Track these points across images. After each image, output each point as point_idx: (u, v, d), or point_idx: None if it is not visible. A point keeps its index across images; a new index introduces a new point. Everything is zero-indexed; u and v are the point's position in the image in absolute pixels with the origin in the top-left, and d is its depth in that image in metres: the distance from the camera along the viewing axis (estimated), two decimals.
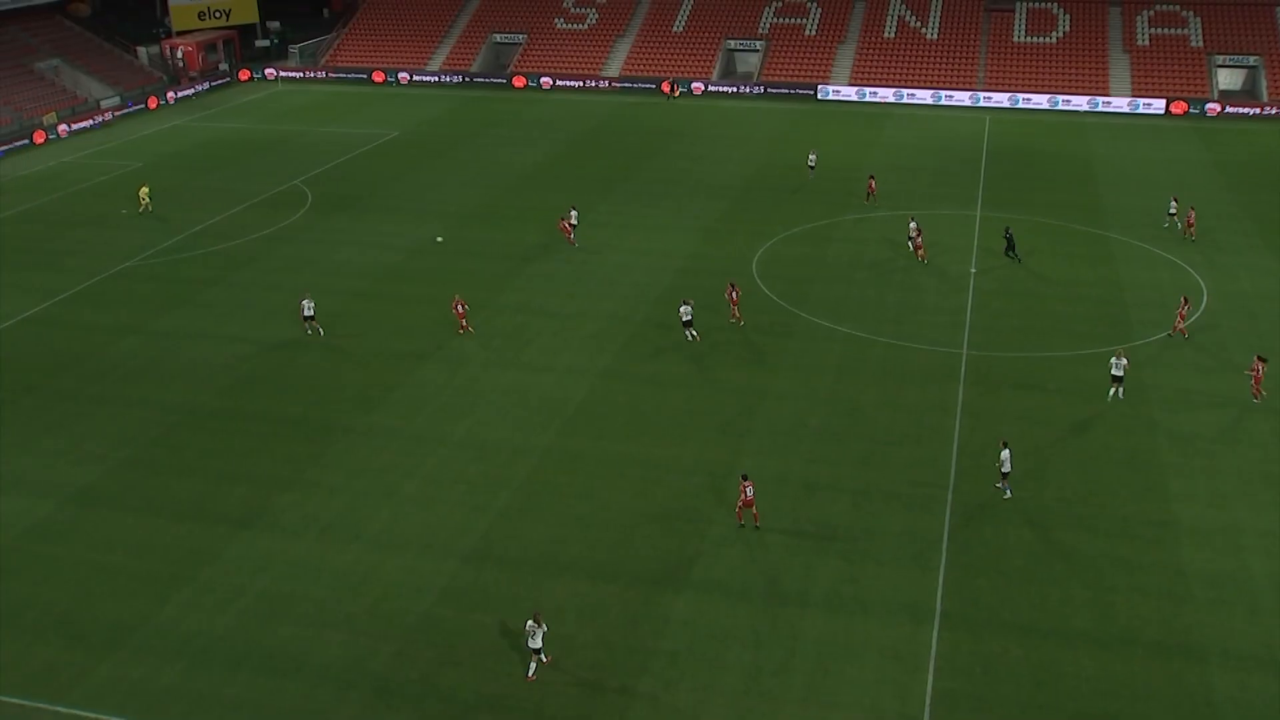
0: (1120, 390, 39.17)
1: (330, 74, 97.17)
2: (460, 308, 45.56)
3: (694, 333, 44.15)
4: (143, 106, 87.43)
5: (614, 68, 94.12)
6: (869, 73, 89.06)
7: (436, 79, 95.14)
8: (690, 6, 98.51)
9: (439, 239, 56.43)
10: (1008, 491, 33.56)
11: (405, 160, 71.13)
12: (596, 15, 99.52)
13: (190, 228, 58.53)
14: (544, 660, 27.24)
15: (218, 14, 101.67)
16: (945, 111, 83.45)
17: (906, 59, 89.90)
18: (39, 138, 77.88)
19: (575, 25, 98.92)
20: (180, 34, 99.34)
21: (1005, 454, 33.15)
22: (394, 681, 26.80)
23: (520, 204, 61.59)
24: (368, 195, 63.65)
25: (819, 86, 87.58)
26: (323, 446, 37.06)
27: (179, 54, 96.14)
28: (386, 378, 41.70)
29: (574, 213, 56.73)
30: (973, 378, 41.00)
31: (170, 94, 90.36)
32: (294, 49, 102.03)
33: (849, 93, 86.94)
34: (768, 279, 50.31)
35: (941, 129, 77.77)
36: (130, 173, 69.50)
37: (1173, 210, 56.66)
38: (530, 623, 26.90)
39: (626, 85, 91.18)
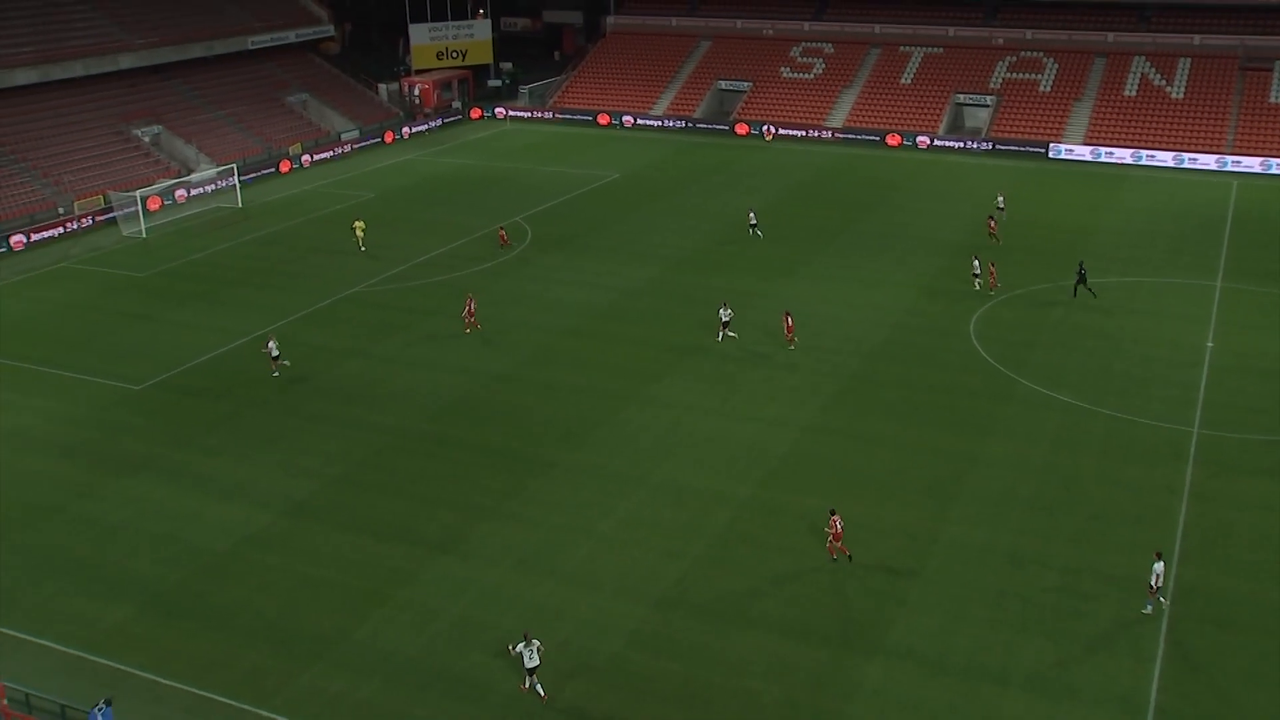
0: None
1: (557, 115, 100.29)
2: (471, 305, 50.35)
3: (732, 333, 48.58)
4: (379, 140, 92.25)
5: (838, 118, 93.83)
6: (1106, 132, 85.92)
7: (660, 123, 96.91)
8: (920, 59, 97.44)
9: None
10: (1148, 607, 30.61)
11: (624, 202, 72.62)
12: (823, 65, 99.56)
13: (415, 258, 61.26)
14: (540, 694, 27.44)
15: (455, 54, 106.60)
16: (1187, 175, 79.61)
17: (1148, 119, 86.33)
18: (284, 167, 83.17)
19: (801, 75, 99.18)
20: (419, 72, 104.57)
21: (1158, 566, 30.21)
22: None
23: (735, 251, 61.94)
24: (585, 235, 65.24)
25: (1051, 145, 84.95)
26: (525, 479, 38.00)
27: (416, 91, 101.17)
28: (592, 415, 42.48)
29: (752, 214, 64.24)
30: (1203, 458, 38.74)
31: (405, 129, 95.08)
32: (524, 89, 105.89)
33: (1083, 152, 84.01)
34: (985, 340, 48.97)
35: (1182, 193, 74.21)
36: (362, 203, 73.37)
37: None
38: (521, 644, 27.51)
39: (850, 136, 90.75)
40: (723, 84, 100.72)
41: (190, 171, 77.78)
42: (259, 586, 32.44)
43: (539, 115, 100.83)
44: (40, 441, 41.23)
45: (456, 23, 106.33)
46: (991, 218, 63.96)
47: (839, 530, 32.66)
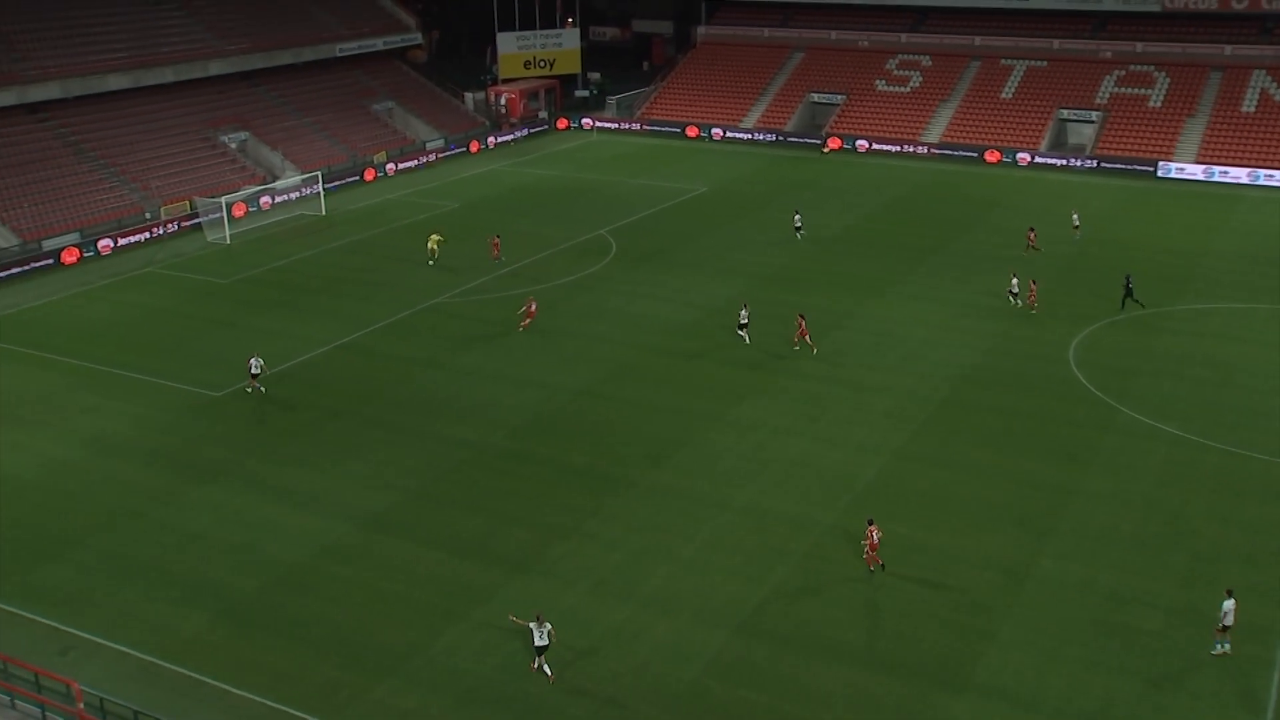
0: None
1: (645, 126, 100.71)
2: (531, 308, 52.36)
3: (747, 336, 50.71)
4: (464, 150, 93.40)
5: (934, 133, 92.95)
6: (1220, 150, 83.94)
7: (750, 136, 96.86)
8: (1022, 72, 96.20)
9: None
10: (1218, 647, 29.78)
11: (711, 217, 72.59)
12: (921, 78, 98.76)
13: (497, 269, 61.85)
14: (546, 674, 29.07)
15: (542, 63, 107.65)
16: None
17: (1267, 136, 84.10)
18: (369, 175, 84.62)
19: (897, 88, 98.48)
20: (506, 81, 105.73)
21: (1228, 605, 29.38)
22: None
23: (824, 268, 61.60)
24: (671, 249, 65.33)
25: (1160, 163, 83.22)
26: (604, 498, 38.09)
27: (502, 101, 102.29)
28: (674, 435, 42.46)
29: (798, 215, 67.28)
30: None
31: (491, 139, 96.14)
32: (611, 100, 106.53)
33: (1194, 171, 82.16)
34: (1085, 367, 48.06)
35: None
36: (445, 213, 74.32)
37: None
38: (532, 623, 29.07)
39: (947, 152, 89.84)
40: (815, 97, 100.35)
41: (275, 178, 79.46)
42: (333, 599, 32.91)
43: (626, 126, 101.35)
44: (122, 446, 42.34)
45: (545, 31, 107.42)
46: (1032, 229, 64.33)
47: (875, 541, 33.28)
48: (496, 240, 63.93)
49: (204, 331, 53.58)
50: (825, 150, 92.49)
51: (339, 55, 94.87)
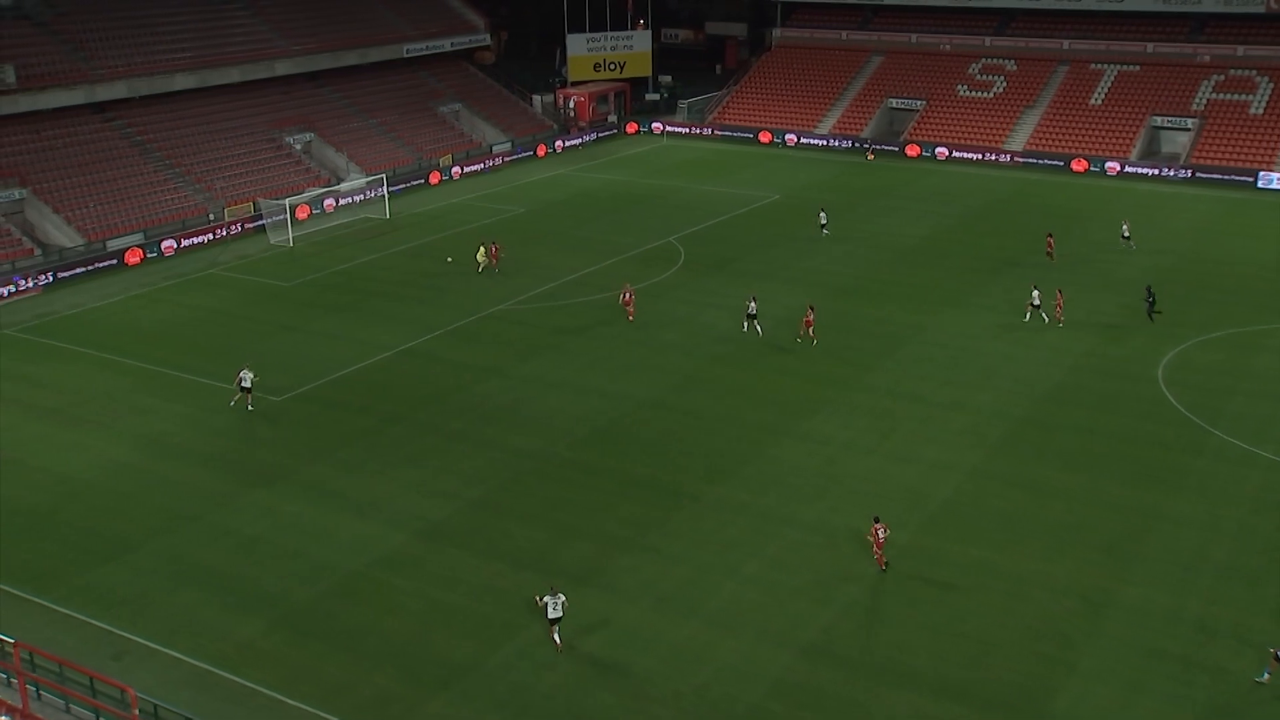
0: None
1: (716, 131, 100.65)
2: (628, 295, 54.38)
3: (759, 326, 52.39)
4: (531, 153, 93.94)
5: (1018, 141, 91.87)
6: None
7: (825, 142, 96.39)
8: (1113, 77, 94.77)
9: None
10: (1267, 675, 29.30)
11: (783, 225, 72.31)
12: (1004, 83, 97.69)
13: (563, 276, 62.11)
14: (556, 641, 30.58)
15: (613, 66, 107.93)
16: None
17: None
18: (434, 178, 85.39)
19: (980, 93, 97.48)
20: (575, 84, 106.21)
21: None
22: None
23: (899, 280, 61.08)
24: (741, 258, 65.18)
25: (1260, 173, 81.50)
26: (668, 512, 38.02)
27: (571, 104, 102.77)
28: (740, 449, 42.31)
29: (823, 214, 69.28)
30: None
31: (558, 142, 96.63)
32: (682, 104, 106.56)
33: None
34: (1175, 386, 47.14)
35: None
36: (511, 218, 74.79)
37: None
38: (548, 596, 30.45)
39: (1031, 161, 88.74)
40: (894, 102, 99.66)
41: (339, 180, 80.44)
42: (389, 609, 33.15)
43: (697, 131, 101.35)
44: (181, 448, 43.05)
45: (615, 33, 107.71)
46: (1050, 235, 64.36)
47: (881, 540, 33.98)
48: (496, 247, 63.95)
49: (265, 335, 54.34)
50: (870, 158, 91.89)
51: (406, 56, 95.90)
